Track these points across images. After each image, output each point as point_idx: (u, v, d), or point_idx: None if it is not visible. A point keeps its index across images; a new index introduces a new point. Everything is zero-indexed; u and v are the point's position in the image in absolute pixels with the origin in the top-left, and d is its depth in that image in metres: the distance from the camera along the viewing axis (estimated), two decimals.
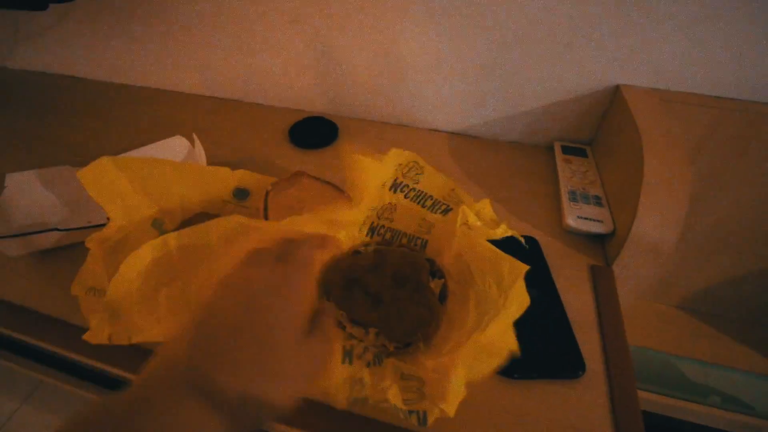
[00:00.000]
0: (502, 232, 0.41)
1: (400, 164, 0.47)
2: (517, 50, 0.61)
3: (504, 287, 0.35)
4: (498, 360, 0.33)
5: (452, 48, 0.64)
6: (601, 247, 0.53)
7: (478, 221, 0.42)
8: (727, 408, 0.79)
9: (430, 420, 0.34)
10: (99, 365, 0.44)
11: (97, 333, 0.37)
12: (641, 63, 0.58)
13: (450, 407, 0.33)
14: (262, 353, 0.25)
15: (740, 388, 0.80)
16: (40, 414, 1.11)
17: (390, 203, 0.48)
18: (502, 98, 0.68)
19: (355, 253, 0.47)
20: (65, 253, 0.53)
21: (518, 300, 0.34)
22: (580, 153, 0.65)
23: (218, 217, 0.41)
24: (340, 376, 0.36)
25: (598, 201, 0.55)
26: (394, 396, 0.35)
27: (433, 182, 0.46)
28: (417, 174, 0.47)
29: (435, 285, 0.44)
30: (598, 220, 0.52)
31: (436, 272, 0.45)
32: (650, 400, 0.81)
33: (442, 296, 0.43)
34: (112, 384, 0.68)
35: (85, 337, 0.38)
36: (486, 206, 0.44)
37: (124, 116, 0.82)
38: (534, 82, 0.64)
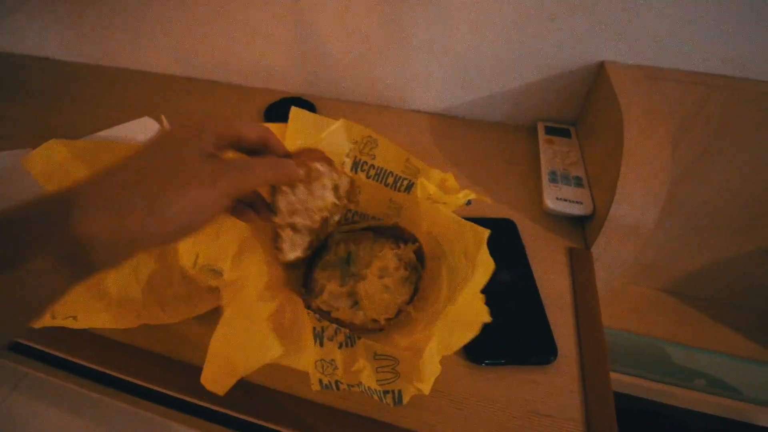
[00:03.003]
0: (464, 196, 0.40)
1: (356, 141, 0.45)
2: (499, 25, 0.59)
3: (471, 255, 0.34)
4: (471, 332, 0.33)
5: (433, 25, 0.62)
6: (581, 229, 0.51)
7: (439, 191, 0.40)
8: (713, 392, 0.79)
9: (406, 399, 0.33)
10: (63, 355, 0.43)
11: None
12: (627, 38, 0.55)
13: (425, 385, 0.33)
14: (155, 181, 0.26)
15: (726, 371, 0.79)
16: (28, 402, 1.11)
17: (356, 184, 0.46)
18: (485, 77, 0.65)
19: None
20: None
21: (483, 266, 0.32)
22: (564, 133, 0.63)
23: None
24: (310, 358, 0.35)
25: (579, 182, 0.53)
26: (367, 378, 0.34)
27: (388, 154, 0.44)
28: (372, 148, 0.45)
29: (409, 249, 0.42)
30: (578, 202, 0.50)
31: (408, 239, 0.43)
32: (635, 384, 0.81)
33: (420, 258, 0.42)
34: (95, 376, 0.67)
35: None
36: (449, 177, 0.43)
37: (96, 97, 0.79)
38: (517, 59, 0.62)
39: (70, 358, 0.42)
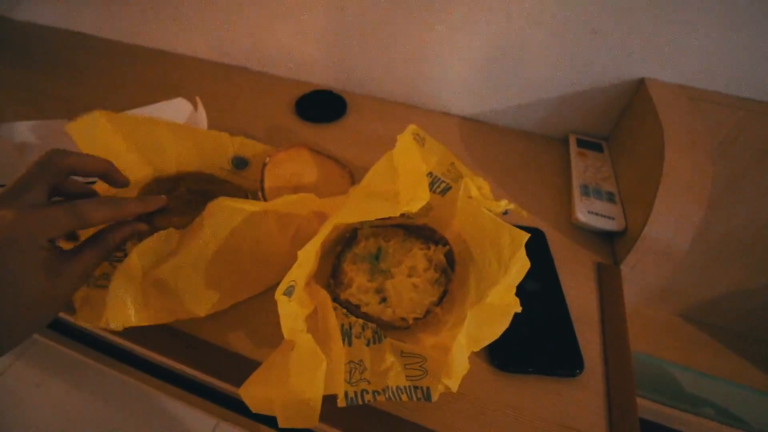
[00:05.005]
0: (505, 204, 0.40)
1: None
2: (539, 33, 0.58)
3: (504, 260, 0.34)
4: (502, 324, 0.32)
5: (470, 28, 0.61)
6: (610, 245, 0.51)
7: (480, 195, 0.40)
8: (721, 421, 0.78)
9: (434, 396, 0.33)
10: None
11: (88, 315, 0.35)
12: (669, 56, 0.55)
13: (453, 382, 0.32)
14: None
15: (735, 401, 0.78)
16: (31, 370, 1.12)
17: None
18: (519, 85, 0.65)
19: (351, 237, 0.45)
20: None
21: (518, 264, 0.32)
22: (596, 147, 0.62)
23: (210, 202, 0.37)
24: (339, 361, 0.34)
25: (611, 197, 0.53)
26: (395, 376, 0.34)
27: (433, 154, 0.44)
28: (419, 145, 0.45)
29: (440, 251, 0.42)
30: (610, 217, 0.50)
31: (438, 240, 0.43)
32: (642, 406, 0.80)
33: (450, 262, 0.41)
34: (97, 344, 0.67)
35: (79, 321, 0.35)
36: (485, 185, 0.42)
37: (128, 76, 0.80)
38: (554, 69, 0.61)
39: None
